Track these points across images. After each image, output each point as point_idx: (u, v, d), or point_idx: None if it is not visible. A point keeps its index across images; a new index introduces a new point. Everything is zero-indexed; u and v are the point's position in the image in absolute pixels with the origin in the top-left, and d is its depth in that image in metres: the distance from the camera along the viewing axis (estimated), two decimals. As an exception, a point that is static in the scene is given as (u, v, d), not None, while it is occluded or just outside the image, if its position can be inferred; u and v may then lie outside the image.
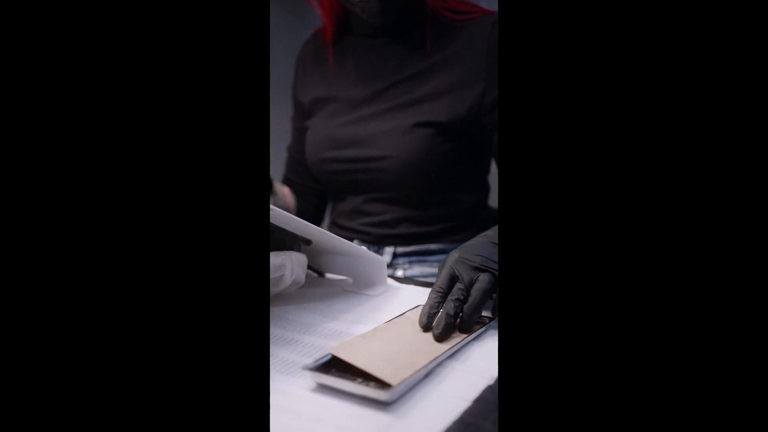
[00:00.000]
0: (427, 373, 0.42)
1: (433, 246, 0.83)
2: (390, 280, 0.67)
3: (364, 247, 0.85)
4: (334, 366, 0.41)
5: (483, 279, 0.50)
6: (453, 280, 0.51)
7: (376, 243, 0.85)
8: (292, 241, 0.60)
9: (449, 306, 0.48)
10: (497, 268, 0.51)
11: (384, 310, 0.56)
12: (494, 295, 0.53)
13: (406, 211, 0.82)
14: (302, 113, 0.92)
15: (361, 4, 0.75)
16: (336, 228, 0.90)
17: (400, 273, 0.84)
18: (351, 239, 0.87)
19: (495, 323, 0.51)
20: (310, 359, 0.44)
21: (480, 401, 0.38)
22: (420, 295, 0.61)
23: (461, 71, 0.78)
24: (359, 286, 0.65)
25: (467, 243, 0.55)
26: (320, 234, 0.56)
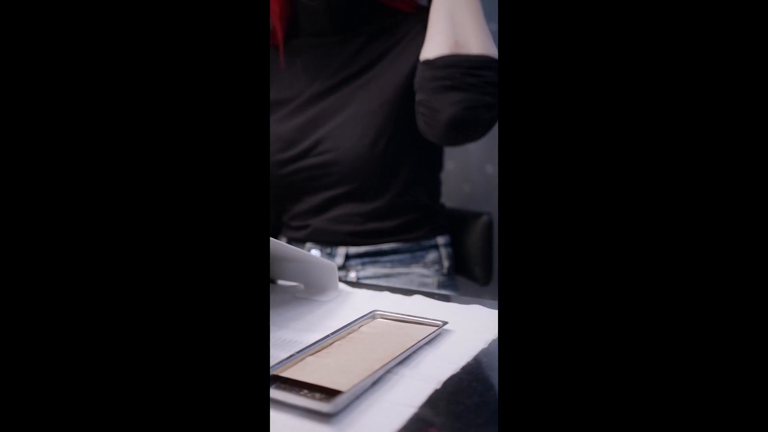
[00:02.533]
0: (375, 381, 0.41)
1: (385, 246, 0.83)
2: (342, 285, 0.66)
3: (315, 252, 0.84)
4: (278, 378, 0.41)
5: None
6: None
7: (329, 244, 0.84)
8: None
9: None
10: None
11: (335, 317, 0.56)
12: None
13: (361, 206, 0.82)
14: None
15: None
16: (290, 230, 0.89)
17: (353, 275, 0.83)
18: (304, 241, 0.86)
19: (448, 327, 0.52)
20: (257, 371, 0.43)
21: (427, 407, 0.38)
22: (372, 300, 0.61)
23: (405, 54, 0.79)
24: (311, 292, 0.64)
25: None
26: (271, 243, 0.55)
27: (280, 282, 0.69)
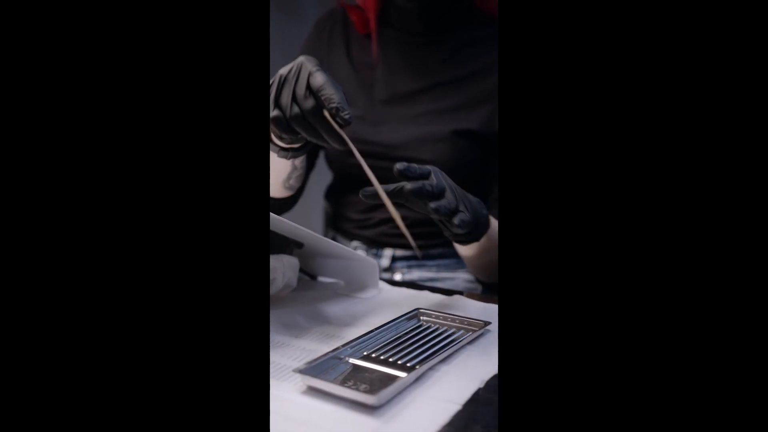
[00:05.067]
0: (418, 377, 0.42)
1: (432, 250, 0.83)
2: (382, 284, 0.67)
3: (359, 252, 0.85)
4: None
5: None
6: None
7: (376, 245, 0.84)
8: (284, 245, 0.60)
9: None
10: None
11: (376, 314, 0.56)
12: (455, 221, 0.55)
13: (413, 210, 0.82)
14: None
15: None
16: (341, 220, 0.88)
17: (398, 277, 0.83)
18: (350, 239, 0.86)
19: (492, 327, 0.51)
20: (301, 363, 0.44)
21: (471, 404, 0.38)
22: (413, 298, 0.61)
23: (494, 77, 0.76)
24: (351, 289, 0.64)
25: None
26: (312, 237, 0.56)
27: (321, 278, 0.70)
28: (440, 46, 0.80)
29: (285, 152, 0.61)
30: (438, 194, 0.53)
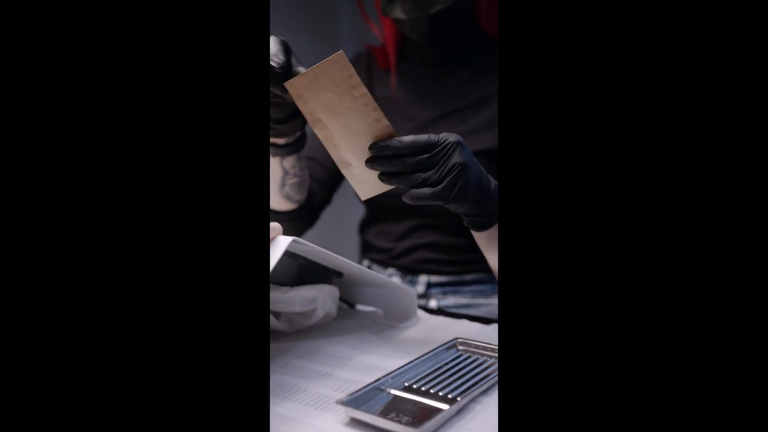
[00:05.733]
0: (460, 409, 0.42)
1: (467, 276, 0.83)
2: (421, 312, 0.67)
3: (394, 279, 0.85)
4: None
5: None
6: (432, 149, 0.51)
7: (411, 271, 0.85)
8: (324, 275, 0.61)
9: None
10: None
11: (415, 343, 0.57)
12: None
13: (447, 237, 0.82)
14: None
15: (410, 22, 0.75)
16: (372, 251, 0.90)
17: (433, 303, 0.84)
18: (386, 266, 0.87)
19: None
20: (343, 394, 0.44)
21: (513, 438, 0.38)
22: (451, 327, 0.61)
23: None
24: (390, 317, 0.65)
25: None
26: (351, 267, 0.57)
27: (359, 307, 0.71)
28: (456, 74, 0.83)
29: (271, 149, 0.64)
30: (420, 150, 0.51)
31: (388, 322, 0.64)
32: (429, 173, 0.50)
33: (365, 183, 0.55)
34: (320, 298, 0.57)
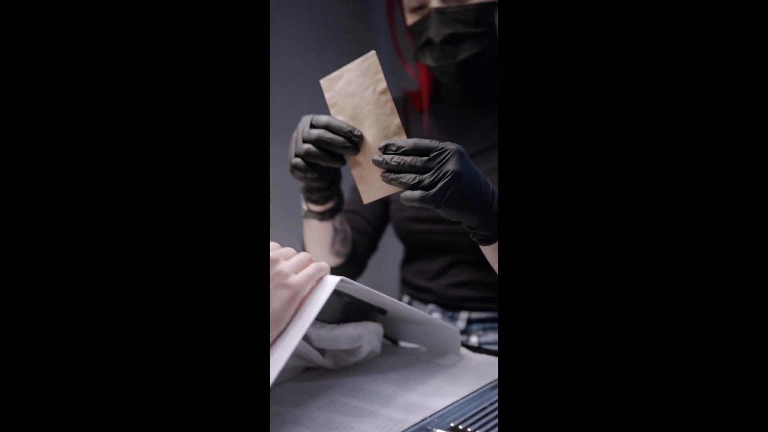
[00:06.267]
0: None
1: None
2: (463, 350, 0.67)
3: (436, 315, 0.86)
4: None
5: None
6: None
7: (452, 308, 0.86)
8: (368, 312, 0.62)
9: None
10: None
11: (460, 382, 0.57)
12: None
13: (485, 273, 0.83)
14: None
15: (440, 69, 0.78)
16: (410, 288, 0.91)
17: (474, 339, 0.84)
18: (426, 302, 0.88)
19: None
20: (390, 433, 0.45)
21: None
22: (493, 366, 0.61)
23: None
24: (433, 355, 0.66)
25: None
26: (395, 304, 0.58)
27: (402, 343, 0.71)
28: (486, 114, 0.86)
29: (321, 215, 0.71)
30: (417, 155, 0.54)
31: (430, 359, 0.64)
32: (425, 176, 0.53)
33: (371, 185, 0.59)
34: (365, 335, 0.59)
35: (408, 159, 0.54)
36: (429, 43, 0.76)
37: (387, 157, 0.55)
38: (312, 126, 0.59)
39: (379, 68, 0.55)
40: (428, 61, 0.78)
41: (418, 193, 0.53)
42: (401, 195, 0.54)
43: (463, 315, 0.84)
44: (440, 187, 0.53)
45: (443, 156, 0.53)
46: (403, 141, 0.55)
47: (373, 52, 0.55)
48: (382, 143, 0.55)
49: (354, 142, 0.57)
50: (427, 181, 0.53)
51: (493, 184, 0.69)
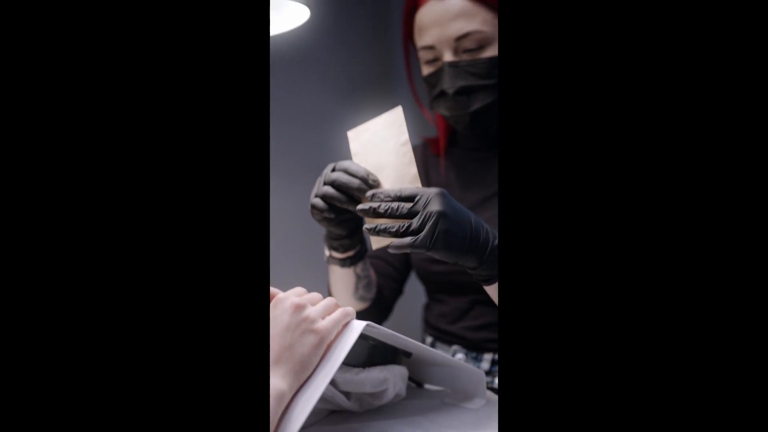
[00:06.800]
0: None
1: None
2: (489, 392, 0.67)
3: (460, 356, 0.86)
4: None
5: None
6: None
7: (475, 349, 0.85)
8: (393, 355, 0.63)
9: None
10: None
11: (485, 426, 0.57)
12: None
13: None
14: None
15: (454, 118, 0.81)
16: (434, 330, 0.91)
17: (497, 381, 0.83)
18: (450, 343, 0.88)
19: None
20: (417, 479, 0.45)
21: None
22: (521, 409, 0.61)
23: None
24: (458, 398, 0.65)
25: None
26: (419, 348, 0.59)
27: (427, 386, 0.71)
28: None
29: (342, 261, 0.74)
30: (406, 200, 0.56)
31: (456, 402, 0.64)
32: (413, 221, 0.55)
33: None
34: (391, 378, 0.59)
35: (394, 205, 0.56)
36: (443, 94, 0.78)
37: (374, 204, 0.57)
38: (333, 170, 0.63)
39: (404, 122, 0.57)
40: (443, 110, 0.81)
41: (408, 239, 0.55)
42: (389, 246, 0.56)
43: (487, 356, 0.84)
44: (428, 230, 0.54)
45: (426, 199, 0.56)
46: (391, 189, 0.58)
47: (399, 107, 0.58)
48: (369, 192, 0.58)
49: (370, 185, 0.60)
50: (415, 225, 0.55)
51: None
